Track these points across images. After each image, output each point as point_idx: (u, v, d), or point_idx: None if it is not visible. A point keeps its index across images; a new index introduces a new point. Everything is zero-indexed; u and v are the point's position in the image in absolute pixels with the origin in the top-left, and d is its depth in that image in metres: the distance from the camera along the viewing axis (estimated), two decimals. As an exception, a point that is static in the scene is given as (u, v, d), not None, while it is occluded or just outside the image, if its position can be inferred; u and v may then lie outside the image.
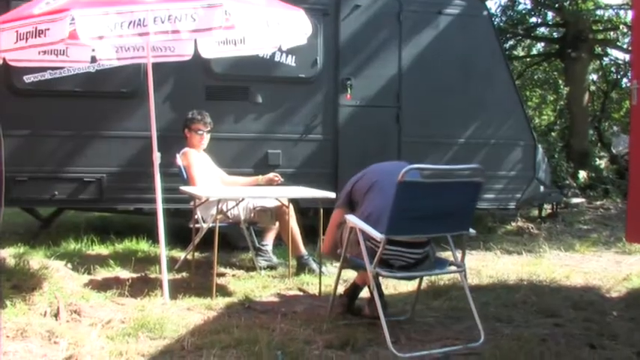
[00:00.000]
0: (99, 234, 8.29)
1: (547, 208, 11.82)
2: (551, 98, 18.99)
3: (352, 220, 4.85)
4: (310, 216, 7.94)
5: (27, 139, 7.83)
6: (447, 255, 5.20)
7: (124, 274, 6.71)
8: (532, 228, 10.45)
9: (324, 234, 5.70)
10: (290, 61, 8.31)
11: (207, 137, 7.35)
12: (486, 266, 7.46)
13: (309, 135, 8.46)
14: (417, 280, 5.34)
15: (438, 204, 4.60)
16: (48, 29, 5.05)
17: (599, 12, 18.44)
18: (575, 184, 14.71)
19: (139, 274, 6.63)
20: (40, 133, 7.88)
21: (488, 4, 17.69)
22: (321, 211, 6.38)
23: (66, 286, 5.88)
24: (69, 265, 6.94)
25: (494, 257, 8.23)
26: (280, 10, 5.69)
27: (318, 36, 8.34)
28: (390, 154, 8.36)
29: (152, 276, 6.56)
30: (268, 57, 8.02)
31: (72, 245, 7.87)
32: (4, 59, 5.91)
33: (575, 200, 13.42)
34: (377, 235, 4.56)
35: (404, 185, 4.43)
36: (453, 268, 4.99)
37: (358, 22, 8.66)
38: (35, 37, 5.10)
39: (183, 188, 6.63)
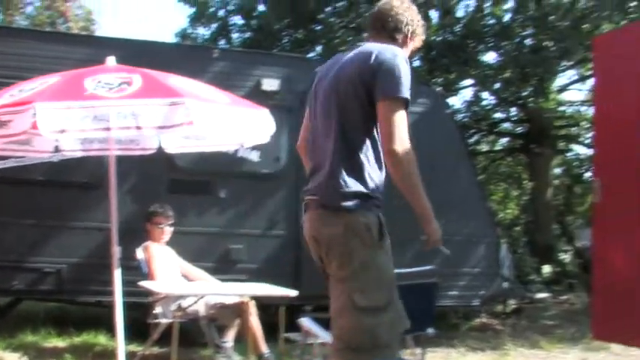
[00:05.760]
0: (57, 325, 8.14)
1: (511, 304, 11.80)
2: (515, 193, 19.21)
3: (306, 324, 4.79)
4: (271, 313, 7.81)
5: (-13, 228, 7.71)
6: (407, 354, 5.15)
7: (80, 369, 6.58)
8: (496, 324, 10.42)
9: (285, 332, 5.63)
10: (253, 156, 8.28)
11: (168, 231, 7.29)
12: (450, 365, 7.40)
13: (272, 231, 8.42)
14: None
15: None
16: (11, 121, 5.05)
17: (561, 108, 18.87)
18: (539, 279, 14.75)
19: (95, 370, 6.50)
20: (0, 221, 7.77)
21: (454, 100, 18.01)
22: (283, 309, 6.31)
23: (20, 381, 5.76)
24: (24, 357, 6.79)
25: (459, 355, 8.16)
26: (243, 110, 5.76)
27: (282, 132, 8.35)
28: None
29: (109, 372, 6.43)
30: (232, 152, 7.96)
31: (29, 337, 7.70)
32: (-33, 148, 5.90)
33: (539, 295, 13.44)
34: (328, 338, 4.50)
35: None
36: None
37: (322, 118, 8.70)
38: (-2, 128, 5.08)
39: (142, 283, 6.55)
